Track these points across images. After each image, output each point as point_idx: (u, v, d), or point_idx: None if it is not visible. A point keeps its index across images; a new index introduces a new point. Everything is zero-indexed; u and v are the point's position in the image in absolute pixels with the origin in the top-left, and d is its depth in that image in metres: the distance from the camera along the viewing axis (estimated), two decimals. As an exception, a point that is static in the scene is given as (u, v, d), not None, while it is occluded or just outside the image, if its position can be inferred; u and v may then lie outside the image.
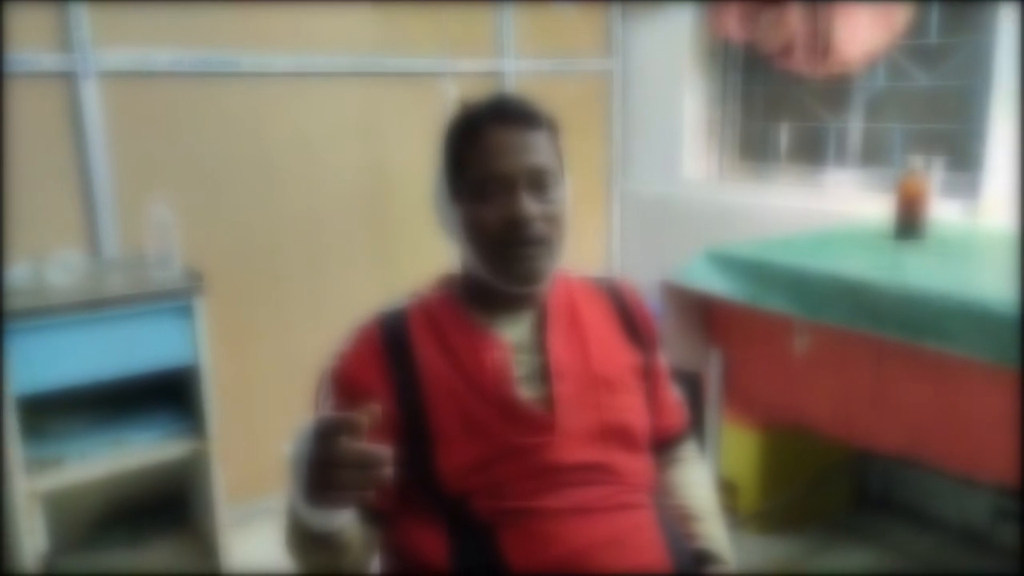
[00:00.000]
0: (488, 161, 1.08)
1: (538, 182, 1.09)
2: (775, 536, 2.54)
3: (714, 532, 1.27)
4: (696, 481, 1.31)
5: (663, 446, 1.27)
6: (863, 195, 2.73)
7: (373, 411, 0.84)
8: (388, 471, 0.83)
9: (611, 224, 3.51)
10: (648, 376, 1.23)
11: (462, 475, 1.06)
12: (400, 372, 1.09)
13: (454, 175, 1.12)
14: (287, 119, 2.65)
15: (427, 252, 2.70)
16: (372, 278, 2.87)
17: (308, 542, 0.97)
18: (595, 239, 3.48)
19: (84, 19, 2.24)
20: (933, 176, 2.32)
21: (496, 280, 1.12)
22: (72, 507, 2.31)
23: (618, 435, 1.13)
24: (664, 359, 1.30)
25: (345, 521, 0.95)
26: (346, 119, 2.77)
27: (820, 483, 2.63)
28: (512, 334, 1.15)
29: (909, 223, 2.15)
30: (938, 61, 2.57)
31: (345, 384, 1.09)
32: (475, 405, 1.08)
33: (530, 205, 1.07)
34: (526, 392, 1.10)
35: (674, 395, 1.31)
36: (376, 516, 1.07)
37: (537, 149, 1.10)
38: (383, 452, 0.83)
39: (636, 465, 1.14)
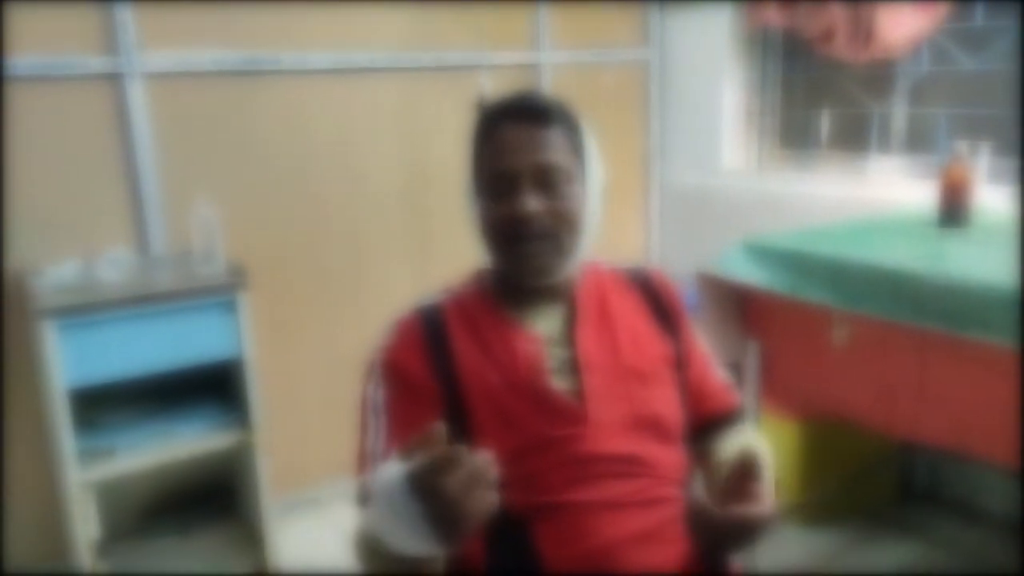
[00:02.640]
0: (496, 158, 1.11)
1: (545, 179, 1.10)
2: (816, 529, 2.52)
3: (755, 441, 1.20)
4: (744, 432, 1.26)
5: (712, 428, 1.25)
6: (906, 182, 2.68)
7: (440, 431, 0.83)
8: (495, 472, 0.83)
9: (650, 215, 3.50)
10: (683, 364, 1.23)
11: (496, 466, 1.07)
12: (440, 364, 1.11)
13: (473, 172, 1.16)
14: (327, 116, 2.68)
15: (464, 246, 2.72)
16: (411, 272, 2.90)
17: (407, 569, 0.91)
18: (634, 230, 3.47)
19: (129, 22, 2.29)
20: (978, 162, 2.27)
21: (506, 274, 1.15)
22: (123, 497, 2.38)
23: (650, 427, 1.14)
24: (702, 344, 1.30)
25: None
26: (384, 114, 2.80)
27: (862, 475, 2.60)
28: (543, 327, 1.16)
29: (953, 211, 2.10)
30: (984, 45, 2.50)
31: (397, 373, 1.12)
32: (509, 398, 1.09)
33: (532, 202, 1.09)
34: (558, 384, 1.12)
35: (719, 378, 1.30)
36: None
37: (546, 146, 1.11)
38: (484, 459, 0.82)
39: (668, 458, 1.15)
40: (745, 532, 1.06)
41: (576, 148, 1.15)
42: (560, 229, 1.11)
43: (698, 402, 1.24)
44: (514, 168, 1.09)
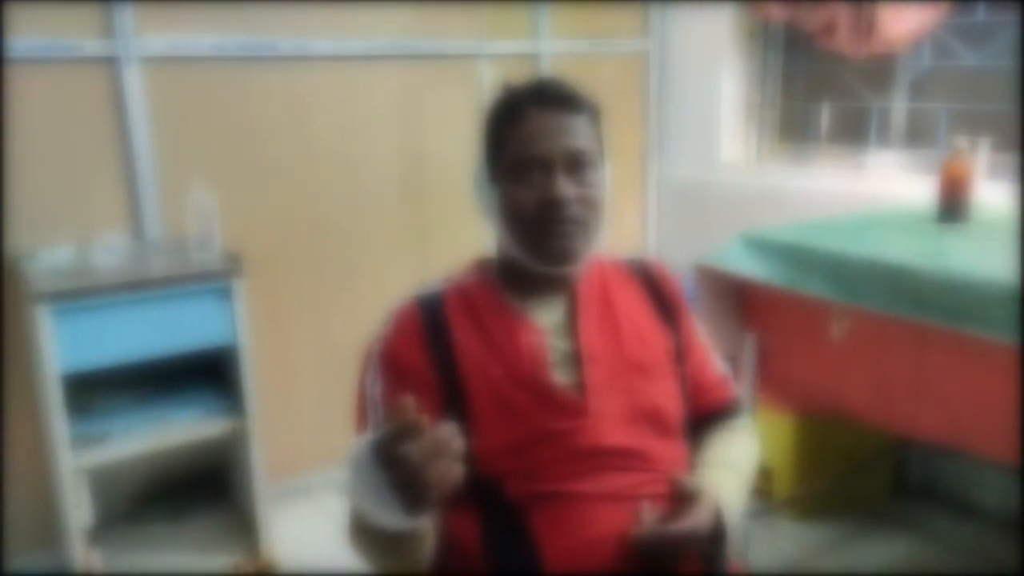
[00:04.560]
0: (527, 143, 1.10)
1: (576, 165, 1.10)
2: (810, 522, 2.52)
3: (719, 481, 1.16)
4: (730, 440, 1.25)
5: (708, 421, 1.25)
6: (906, 177, 2.67)
7: (409, 403, 0.81)
8: (461, 443, 0.82)
9: (648, 208, 3.49)
10: (682, 356, 1.22)
11: (496, 457, 1.06)
12: (440, 353, 1.10)
13: (493, 156, 1.14)
14: (326, 103, 2.67)
15: (464, 235, 2.72)
16: (409, 260, 2.89)
17: (391, 545, 0.95)
18: (632, 223, 3.46)
19: (126, 6, 2.27)
20: (978, 158, 2.26)
21: (531, 260, 1.13)
22: (116, 483, 2.38)
23: (650, 420, 1.13)
24: (702, 336, 1.29)
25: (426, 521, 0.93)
26: (384, 102, 2.78)
27: (858, 470, 2.60)
28: (546, 318, 1.15)
29: (953, 206, 2.10)
30: (985, 40, 2.50)
31: (395, 366, 1.11)
32: (510, 388, 1.09)
33: (566, 187, 1.09)
34: (559, 376, 1.11)
35: (717, 370, 1.29)
36: None
37: (576, 132, 1.11)
38: (450, 430, 0.82)
39: (668, 451, 1.14)
40: (671, 546, 1.06)
41: (599, 136, 1.15)
42: (588, 215, 1.11)
43: (696, 396, 1.24)
44: (547, 153, 1.09)
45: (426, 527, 0.96)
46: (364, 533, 0.95)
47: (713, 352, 1.30)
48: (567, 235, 1.10)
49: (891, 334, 1.81)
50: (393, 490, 0.81)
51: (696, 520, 1.06)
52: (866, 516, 2.55)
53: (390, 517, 0.84)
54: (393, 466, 0.79)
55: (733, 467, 1.20)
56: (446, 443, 0.81)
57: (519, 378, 1.09)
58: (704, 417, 1.25)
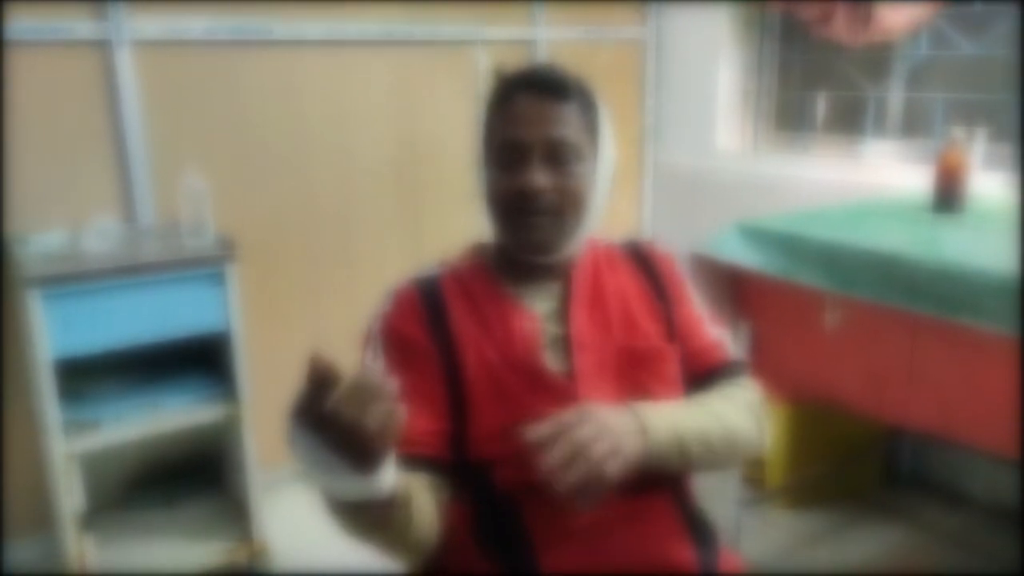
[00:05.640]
0: (507, 128, 1.09)
1: (555, 154, 1.09)
2: (802, 511, 2.53)
3: (666, 406, 1.09)
4: (721, 394, 1.18)
5: (705, 381, 1.19)
6: (902, 167, 2.67)
7: (318, 357, 0.76)
8: (393, 384, 0.78)
9: (643, 196, 3.48)
10: (676, 332, 1.20)
11: (489, 442, 1.06)
12: (439, 334, 1.10)
13: (483, 142, 1.14)
14: (320, 87, 2.65)
15: (457, 221, 2.71)
16: (403, 246, 2.88)
17: (369, 519, 0.91)
18: (627, 211, 3.45)
19: (118, -13, 2.25)
20: (975, 148, 2.26)
21: (509, 247, 1.14)
22: (108, 469, 2.37)
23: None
24: (698, 306, 1.25)
25: (395, 479, 0.88)
26: (378, 87, 2.76)
27: (849, 459, 2.61)
28: (540, 304, 1.15)
29: (948, 196, 2.10)
30: (983, 29, 2.49)
31: (398, 340, 1.10)
32: (504, 373, 1.08)
33: (540, 177, 1.07)
34: (552, 362, 1.11)
35: (712, 336, 1.23)
36: (436, 468, 1.04)
37: (560, 121, 1.09)
38: (375, 372, 0.78)
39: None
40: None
41: (590, 126, 1.13)
42: (565, 207, 1.10)
43: (691, 360, 1.20)
44: (525, 140, 1.08)
45: (405, 490, 0.91)
46: (338, 513, 0.90)
47: (710, 320, 1.26)
48: (538, 226, 1.09)
49: (884, 323, 1.81)
50: (335, 453, 0.76)
51: (565, 417, 0.96)
52: (858, 505, 2.56)
53: (346, 484, 0.80)
54: (325, 427, 0.75)
55: (699, 403, 1.14)
56: (376, 386, 0.76)
57: (513, 362, 1.09)
58: (701, 379, 1.21)
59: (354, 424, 0.74)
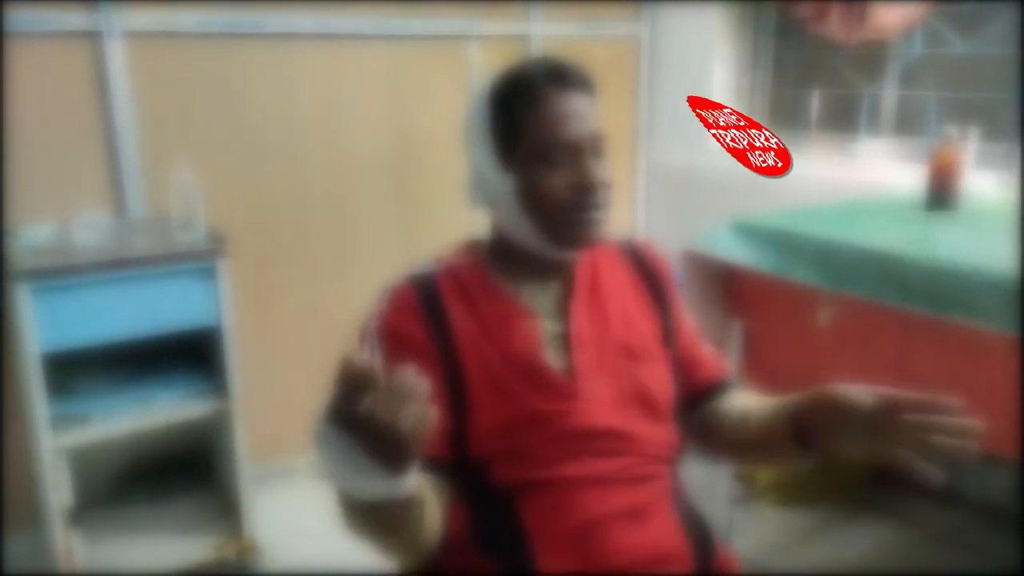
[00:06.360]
0: (554, 127, 1.07)
1: (599, 148, 1.10)
2: (793, 508, 2.54)
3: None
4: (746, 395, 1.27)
5: (705, 396, 1.24)
6: (895, 165, 2.67)
7: (351, 356, 0.76)
8: (426, 384, 0.78)
9: (636, 193, 3.48)
10: (672, 336, 1.21)
11: (488, 439, 1.06)
12: (438, 330, 1.09)
13: (507, 141, 1.09)
14: (312, 81, 2.63)
15: (451, 215, 2.69)
16: (396, 241, 2.87)
17: (387, 518, 0.90)
18: (620, 208, 3.45)
19: (109, -22, 2.23)
20: (968, 146, 2.26)
21: (552, 246, 1.11)
22: (97, 464, 2.36)
23: (639, 404, 1.13)
24: (689, 318, 1.28)
25: (415, 480, 0.87)
26: (371, 82, 2.75)
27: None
28: (539, 302, 1.14)
29: (941, 194, 2.10)
30: (977, 28, 2.49)
31: (396, 338, 1.08)
32: (504, 370, 1.08)
33: (599, 171, 1.09)
34: (551, 359, 1.10)
35: (708, 350, 1.28)
36: (438, 469, 1.03)
37: (594, 115, 1.10)
38: (410, 373, 0.77)
39: (657, 435, 1.14)
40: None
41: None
42: (610, 199, 1.11)
43: (690, 372, 1.23)
44: (578, 137, 1.07)
45: (420, 490, 0.91)
46: (356, 513, 0.90)
47: (701, 335, 1.29)
48: (599, 220, 1.10)
49: (877, 321, 1.82)
50: (368, 454, 0.77)
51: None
52: (848, 503, 2.57)
53: (375, 485, 0.80)
54: (359, 428, 0.75)
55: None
56: (410, 387, 0.76)
57: (512, 360, 1.08)
58: (702, 391, 1.23)
59: (389, 425, 0.75)
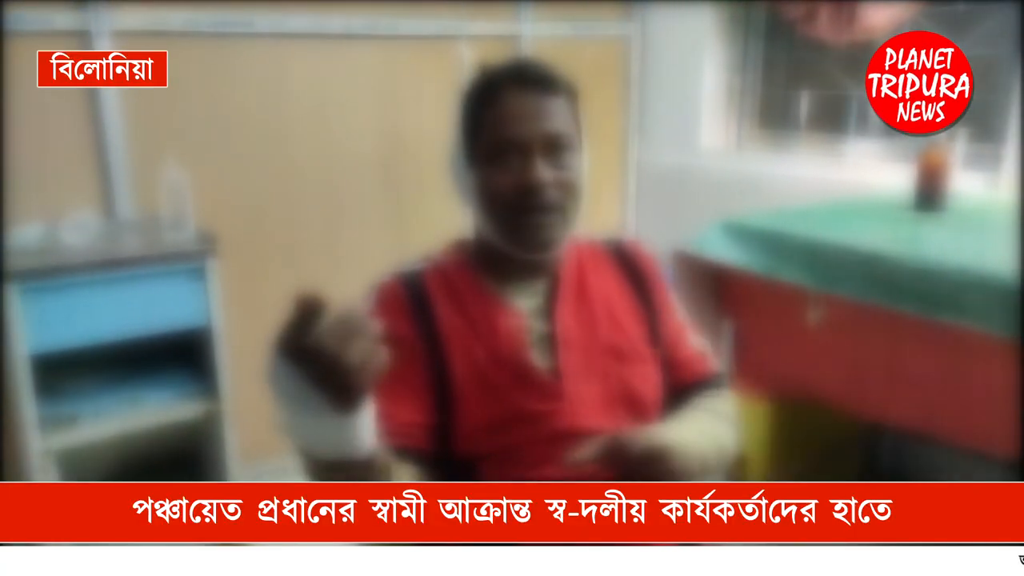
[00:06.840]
0: (504, 125, 1.07)
1: (553, 148, 1.08)
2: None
3: (682, 419, 1.14)
4: (709, 409, 1.19)
5: (687, 393, 1.21)
6: (884, 166, 2.69)
7: (304, 291, 0.76)
8: (377, 325, 0.77)
9: (626, 193, 3.48)
10: (658, 336, 1.20)
11: (475, 438, 1.06)
12: (425, 328, 1.09)
13: (470, 138, 1.11)
14: (302, 81, 2.63)
15: (441, 216, 2.69)
16: (386, 240, 2.86)
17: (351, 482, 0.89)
18: (610, 208, 3.45)
19: (98, -23, 2.22)
20: (956, 148, 2.28)
21: (509, 246, 1.11)
22: (86, 465, 2.34)
23: (626, 404, 1.13)
24: (680, 313, 1.26)
25: (374, 442, 0.86)
26: (361, 81, 2.74)
27: (830, 455, 2.63)
28: (525, 302, 1.14)
29: (930, 195, 2.11)
30: (965, 29, 2.50)
31: (384, 335, 1.08)
32: (490, 369, 1.08)
33: (544, 171, 1.06)
34: (538, 360, 1.10)
35: (694, 347, 1.25)
36: (419, 460, 1.03)
37: (554, 115, 1.08)
38: (361, 310, 0.77)
39: (644, 436, 1.13)
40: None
41: (576, 117, 1.13)
42: (567, 201, 1.09)
43: (673, 371, 1.22)
44: (525, 136, 1.06)
45: (379, 459, 0.88)
46: (316, 477, 0.89)
47: (692, 329, 1.28)
48: (545, 223, 1.08)
49: (867, 321, 1.82)
50: (315, 386, 0.75)
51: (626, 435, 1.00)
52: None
53: (324, 428, 0.79)
54: (307, 358, 0.74)
55: (706, 409, 1.17)
56: (360, 322, 0.75)
57: (499, 359, 1.08)
58: (685, 390, 1.22)
59: (336, 356, 0.73)
